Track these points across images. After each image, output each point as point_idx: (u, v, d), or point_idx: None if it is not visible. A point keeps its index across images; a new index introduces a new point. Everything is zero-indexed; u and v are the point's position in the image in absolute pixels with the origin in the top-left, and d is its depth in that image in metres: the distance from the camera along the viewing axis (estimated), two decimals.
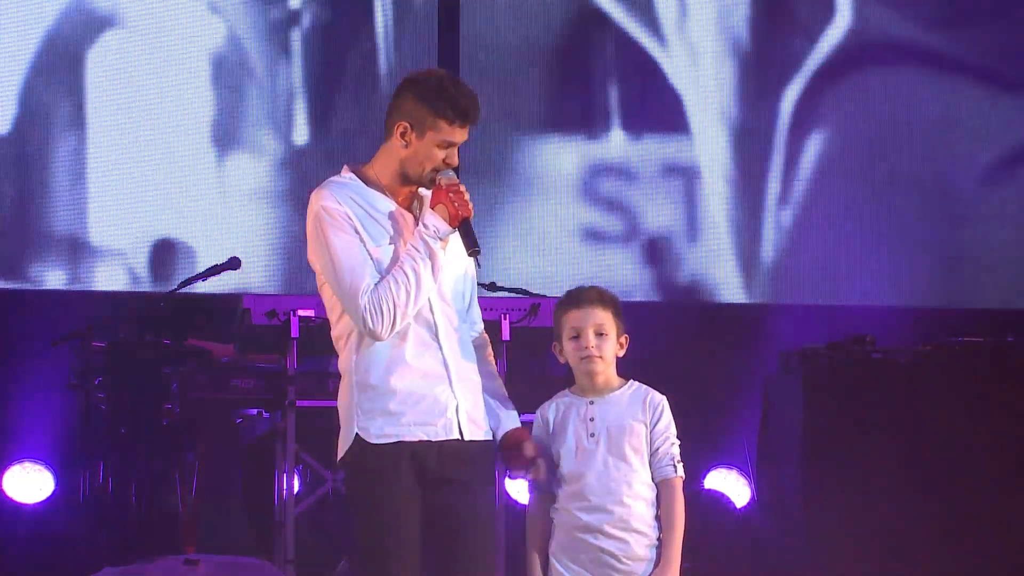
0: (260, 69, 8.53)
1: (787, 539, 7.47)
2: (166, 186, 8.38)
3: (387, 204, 4.61)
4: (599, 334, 4.69)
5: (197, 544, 7.00)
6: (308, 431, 6.63)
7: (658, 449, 4.67)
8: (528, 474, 4.65)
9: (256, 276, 8.23)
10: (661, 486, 4.66)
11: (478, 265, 4.71)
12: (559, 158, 8.70)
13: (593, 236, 8.67)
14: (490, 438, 4.63)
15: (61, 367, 7.14)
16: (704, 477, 8.12)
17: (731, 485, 8.14)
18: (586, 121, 8.75)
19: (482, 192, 8.40)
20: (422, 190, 4.65)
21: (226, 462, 7.56)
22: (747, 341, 8.39)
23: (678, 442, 4.70)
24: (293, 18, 8.58)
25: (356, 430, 4.53)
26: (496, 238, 8.46)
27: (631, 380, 4.75)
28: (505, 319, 6.71)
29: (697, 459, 7.31)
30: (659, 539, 4.64)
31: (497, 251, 8.43)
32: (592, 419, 4.68)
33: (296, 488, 6.88)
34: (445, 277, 4.59)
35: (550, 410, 4.75)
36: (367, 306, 4.48)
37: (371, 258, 4.53)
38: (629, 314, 4.78)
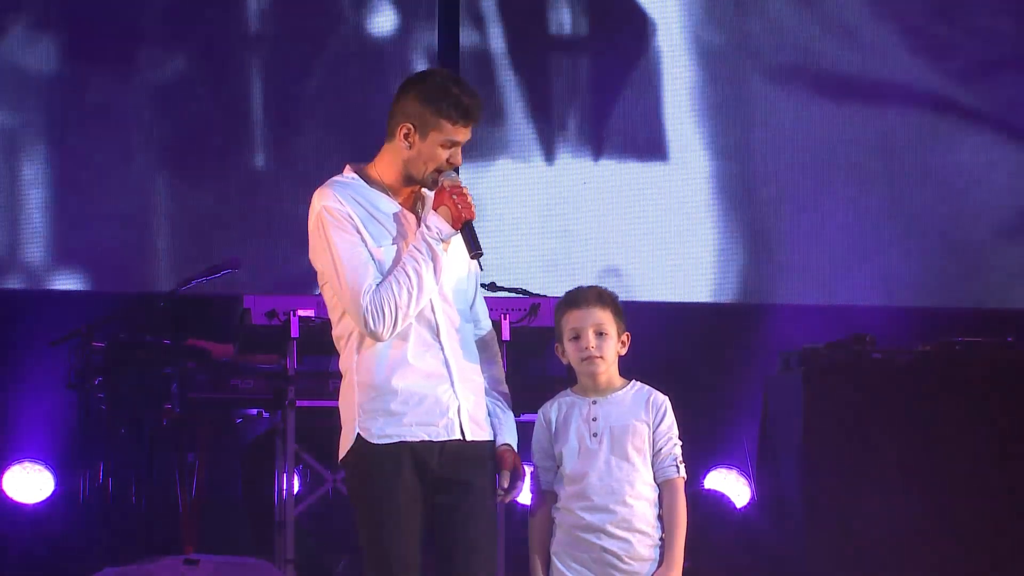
0: None
1: (787, 539, 7.47)
2: (166, 185, 8.38)
3: (389, 204, 4.60)
4: (599, 334, 4.68)
5: (197, 544, 7.00)
6: (308, 431, 6.62)
7: (661, 449, 4.67)
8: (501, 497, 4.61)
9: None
10: (663, 486, 4.66)
11: (480, 268, 4.70)
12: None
13: (593, 236, 8.67)
14: (491, 438, 4.62)
15: (61, 367, 7.13)
16: (704, 477, 8.12)
17: (731, 485, 8.13)
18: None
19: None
20: (425, 190, 4.65)
21: (226, 462, 7.55)
22: (747, 341, 8.39)
23: (680, 443, 4.70)
24: None
25: (358, 430, 4.52)
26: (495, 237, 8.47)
27: (633, 380, 4.75)
28: (505, 319, 6.70)
29: (697, 459, 7.29)
30: (661, 539, 4.64)
31: (496, 251, 8.43)
32: (595, 419, 4.68)
33: (296, 488, 6.88)
34: (447, 277, 4.58)
35: (552, 410, 4.74)
36: (368, 306, 4.47)
37: (373, 258, 4.52)
38: (629, 314, 4.77)
